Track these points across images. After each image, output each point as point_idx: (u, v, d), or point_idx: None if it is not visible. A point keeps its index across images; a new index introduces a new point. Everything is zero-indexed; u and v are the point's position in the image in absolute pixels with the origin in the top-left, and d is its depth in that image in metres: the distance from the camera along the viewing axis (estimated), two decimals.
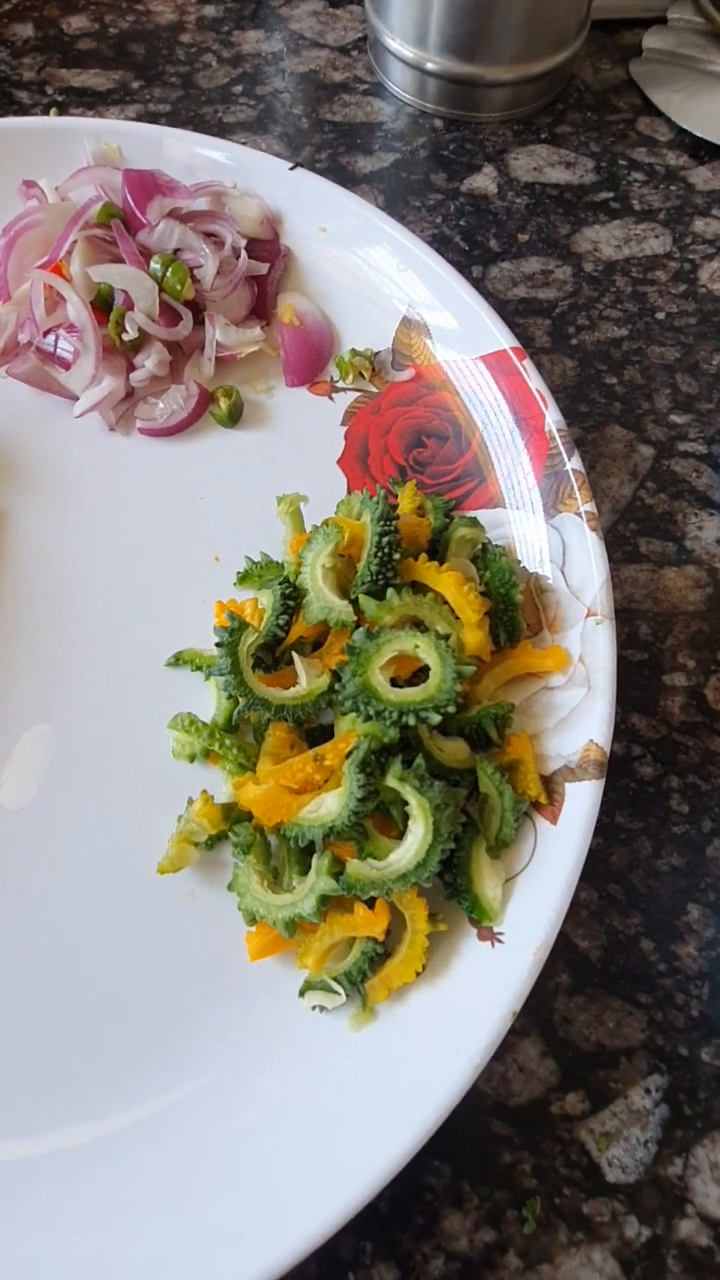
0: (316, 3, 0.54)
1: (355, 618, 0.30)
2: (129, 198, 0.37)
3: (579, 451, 0.40)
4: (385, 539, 0.30)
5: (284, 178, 0.39)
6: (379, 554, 0.30)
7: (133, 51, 0.51)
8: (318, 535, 0.31)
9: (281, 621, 0.30)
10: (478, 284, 0.44)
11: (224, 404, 0.38)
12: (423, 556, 0.31)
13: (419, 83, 0.49)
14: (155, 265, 0.36)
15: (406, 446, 0.38)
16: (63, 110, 0.48)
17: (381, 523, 0.30)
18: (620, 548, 0.38)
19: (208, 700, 0.33)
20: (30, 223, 0.37)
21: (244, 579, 0.34)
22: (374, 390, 0.39)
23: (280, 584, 0.31)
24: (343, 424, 0.38)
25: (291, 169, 0.39)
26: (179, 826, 0.30)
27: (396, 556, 0.30)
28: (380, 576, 0.30)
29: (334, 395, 0.39)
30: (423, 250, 0.38)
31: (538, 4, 0.45)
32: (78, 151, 0.40)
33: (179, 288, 0.36)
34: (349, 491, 0.37)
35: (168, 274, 0.36)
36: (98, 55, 0.51)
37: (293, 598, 0.31)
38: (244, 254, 0.38)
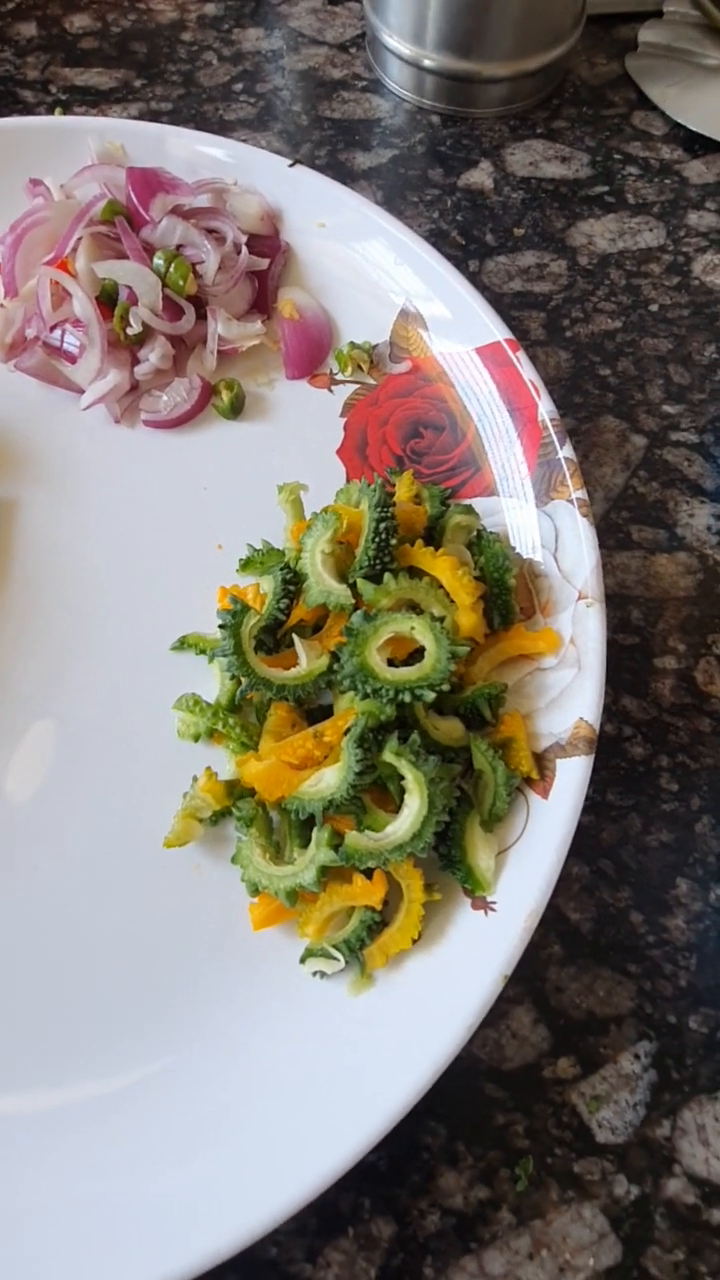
0: (315, 0, 0.55)
1: (353, 601, 0.31)
2: (132, 195, 0.38)
3: (572, 441, 0.41)
4: (382, 525, 0.31)
5: (284, 174, 0.40)
6: (376, 539, 0.31)
7: (135, 50, 0.52)
8: (317, 522, 0.32)
9: (282, 605, 0.31)
10: (474, 278, 0.45)
11: (226, 396, 0.39)
12: (419, 542, 0.32)
13: (416, 79, 0.50)
14: (158, 261, 0.37)
15: (404, 437, 0.39)
16: (66, 109, 0.49)
17: (379, 509, 0.31)
18: (613, 535, 0.39)
19: (212, 682, 0.34)
20: (36, 220, 0.38)
21: (246, 565, 0.35)
22: (372, 382, 0.40)
23: (281, 569, 0.32)
24: (342, 415, 0.39)
25: (291, 166, 0.40)
26: (184, 803, 0.31)
27: (393, 542, 0.31)
28: (377, 561, 0.31)
29: (333, 387, 0.40)
30: (419, 245, 0.39)
31: (533, 2, 0.45)
32: (82, 150, 0.41)
33: (181, 283, 0.37)
34: (348, 481, 0.38)
35: (171, 269, 0.37)
36: (100, 54, 0.52)
37: (293, 582, 0.32)
38: (245, 250, 0.39)
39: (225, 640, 0.30)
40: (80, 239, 0.38)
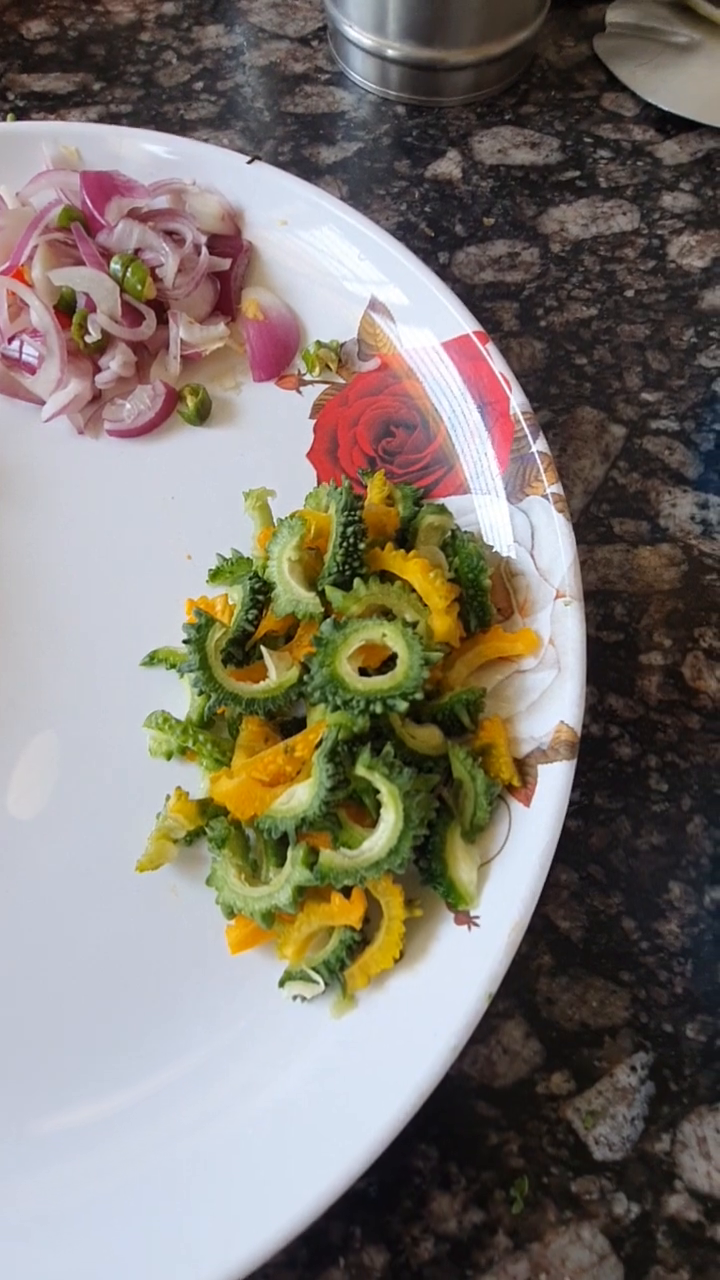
0: None
1: (323, 609, 0.30)
2: (87, 200, 0.37)
3: (549, 434, 0.40)
4: (350, 529, 0.30)
5: (243, 172, 0.39)
6: (344, 544, 0.30)
7: (93, 53, 0.51)
8: (283, 528, 0.31)
9: (250, 616, 0.30)
10: (444, 270, 0.44)
11: (191, 402, 0.38)
12: (389, 545, 0.31)
13: (380, 70, 0.49)
14: (115, 266, 0.36)
15: (375, 437, 0.38)
16: (23, 115, 0.48)
17: (346, 513, 0.30)
18: (594, 529, 0.38)
19: (183, 698, 0.33)
20: None
21: (216, 575, 0.34)
22: (341, 382, 0.39)
23: (249, 579, 0.31)
24: (311, 417, 0.38)
25: (249, 162, 0.39)
26: (157, 824, 0.30)
27: (362, 546, 0.30)
28: (346, 567, 0.30)
29: (301, 389, 0.39)
30: (381, 237, 0.38)
31: None
32: (37, 156, 0.40)
33: (140, 287, 0.36)
34: (319, 485, 0.37)
35: (128, 274, 0.36)
36: (58, 59, 0.51)
37: (262, 592, 0.31)
38: (205, 251, 0.38)
39: (191, 654, 0.29)
40: (36, 247, 0.37)
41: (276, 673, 0.29)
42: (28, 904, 0.30)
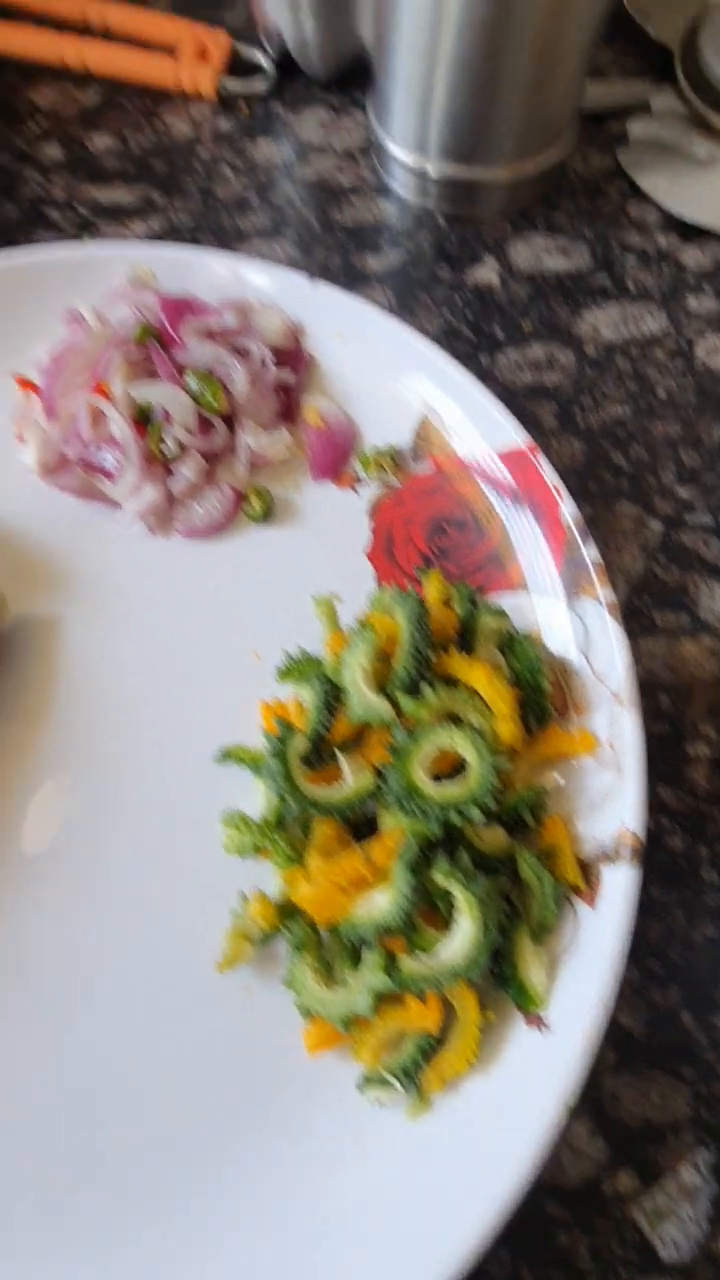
0: (322, 110, 0.58)
1: (395, 716, 0.32)
2: (164, 321, 0.40)
3: (591, 528, 0.42)
4: (419, 638, 0.32)
5: (304, 290, 0.42)
6: (414, 654, 0.32)
7: (154, 167, 0.55)
8: (356, 639, 0.33)
9: (325, 721, 0.32)
10: (487, 372, 0.47)
11: (257, 504, 0.40)
12: (454, 650, 0.33)
13: (420, 184, 0.52)
14: (191, 382, 0.39)
15: (429, 535, 0.40)
16: (91, 226, 0.52)
17: (415, 623, 0.32)
18: (636, 620, 0.40)
19: (255, 793, 0.34)
20: (73, 347, 0.40)
21: (284, 674, 0.36)
22: (396, 483, 0.41)
23: (320, 681, 0.33)
24: (369, 516, 0.41)
25: (310, 281, 0.42)
26: (234, 922, 0.31)
27: (430, 655, 0.32)
28: (416, 674, 0.32)
29: (358, 488, 0.41)
30: (434, 352, 0.41)
31: (530, 111, 0.48)
32: (114, 275, 0.43)
33: (214, 402, 0.39)
34: (378, 583, 0.39)
35: (203, 390, 0.39)
36: (122, 172, 0.55)
37: (333, 696, 0.33)
38: (270, 364, 0.41)
39: (273, 764, 0.30)
40: (115, 363, 0.40)
41: (353, 778, 0.31)
42: (102, 1004, 0.31)
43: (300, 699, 0.35)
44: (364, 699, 0.32)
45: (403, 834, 0.29)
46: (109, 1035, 0.30)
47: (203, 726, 0.36)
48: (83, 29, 0.60)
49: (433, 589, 0.36)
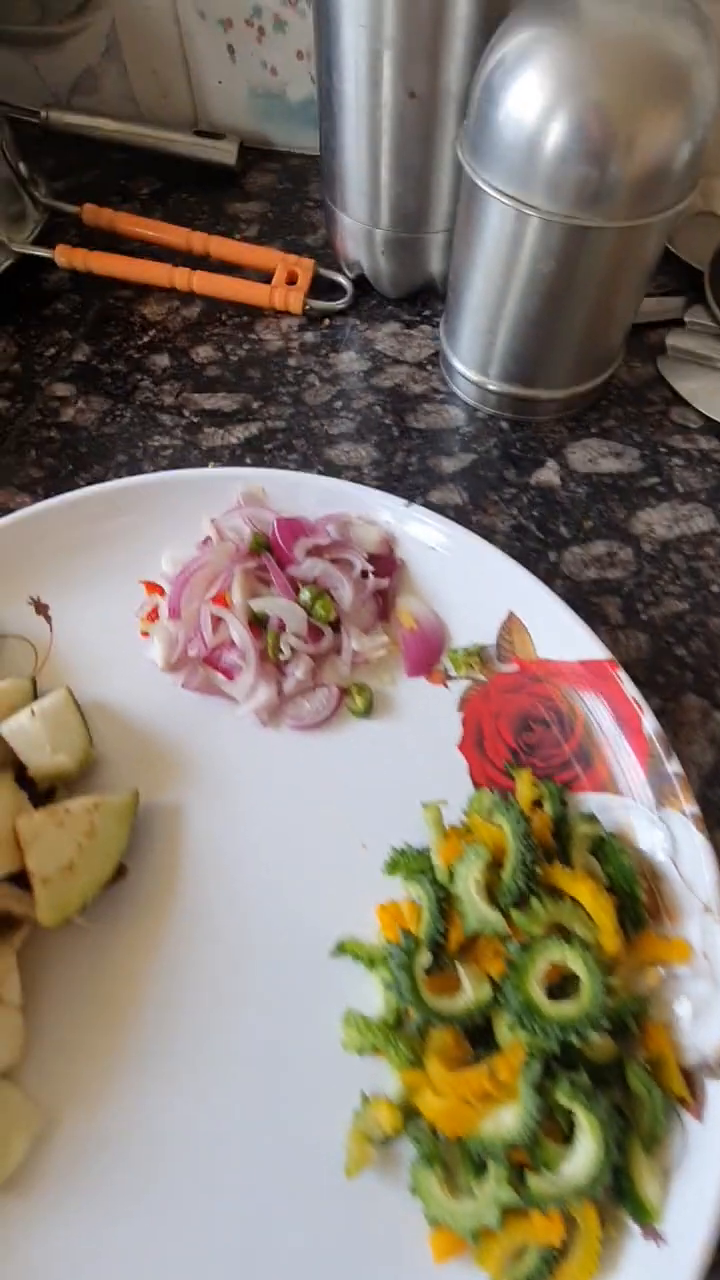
0: (395, 324, 0.67)
1: (507, 928, 0.35)
2: (279, 539, 0.46)
3: (660, 720, 0.46)
4: (526, 853, 0.35)
5: (398, 510, 0.49)
6: (523, 868, 0.35)
7: (250, 375, 0.64)
8: (469, 854, 0.36)
9: (440, 928, 0.35)
10: (554, 568, 0.52)
11: (360, 700, 0.45)
12: (557, 863, 0.36)
13: (484, 396, 0.60)
14: (305, 596, 0.45)
15: (516, 731, 0.44)
16: (196, 429, 0.60)
17: (522, 839, 0.36)
18: (713, 814, 0.43)
19: (367, 984, 0.37)
20: (200, 564, 0.46)
21: (392, 868, 0.40)
22: (483, 679, 0.46)
23: (433, 888, 0.36)
24: (459, 710, 0.45)
25: (407, 506, 0.48)
26: (356, 1123, 0.33)
27: (538, 870, 0.35)
28: (525, 887, 0.35)
29: (449, 683, 0.46)
30: (515, 568, 0.46)
31: (585, 351, 0.56)
32: (232, 492, 0.50)
33: (324, 614, 0.44)
34: (471, 776, 0.43)
35: (315, 605, 0.44)
36: (223, 380, 0.63)
37: (445, 901, 0.36)
38: (371, 575, 0.46)
39: (401, 978, 0.33)
40: (235, 578, 0.45)
41: (473, 990, 0.34)
42: (224, 1198, 0.32)
43: (411, 896, 0.38)
44: (479, 912, 0.35)
45: (524, 1051, 0.31)
46: (232, 1231, 0.32)
47: (316, 915, 0.39)
48: (188, 254, 0.70)
49: (524, 789, 0.40)
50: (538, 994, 0.32)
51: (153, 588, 0.48)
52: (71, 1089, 0.35)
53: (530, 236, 0.47)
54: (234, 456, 0.58)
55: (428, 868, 0.38)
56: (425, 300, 0.69)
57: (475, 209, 0.50)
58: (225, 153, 0.77)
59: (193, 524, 0.50)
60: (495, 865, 0.37)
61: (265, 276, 0.68)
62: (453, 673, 0.46)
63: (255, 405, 0.62)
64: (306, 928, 0.39)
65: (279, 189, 0.80)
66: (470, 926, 0.35)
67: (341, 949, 0.38)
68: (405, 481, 0.56)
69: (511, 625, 0.46)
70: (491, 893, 0.36)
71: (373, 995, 0.37)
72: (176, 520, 0.50)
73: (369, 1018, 0.35)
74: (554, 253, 0.47)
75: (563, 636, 0.44)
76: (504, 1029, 0.33)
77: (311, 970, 0.38)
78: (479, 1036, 0.34)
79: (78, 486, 0.55)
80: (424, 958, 0.34)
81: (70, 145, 0.76)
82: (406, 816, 0.42)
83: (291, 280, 0.67)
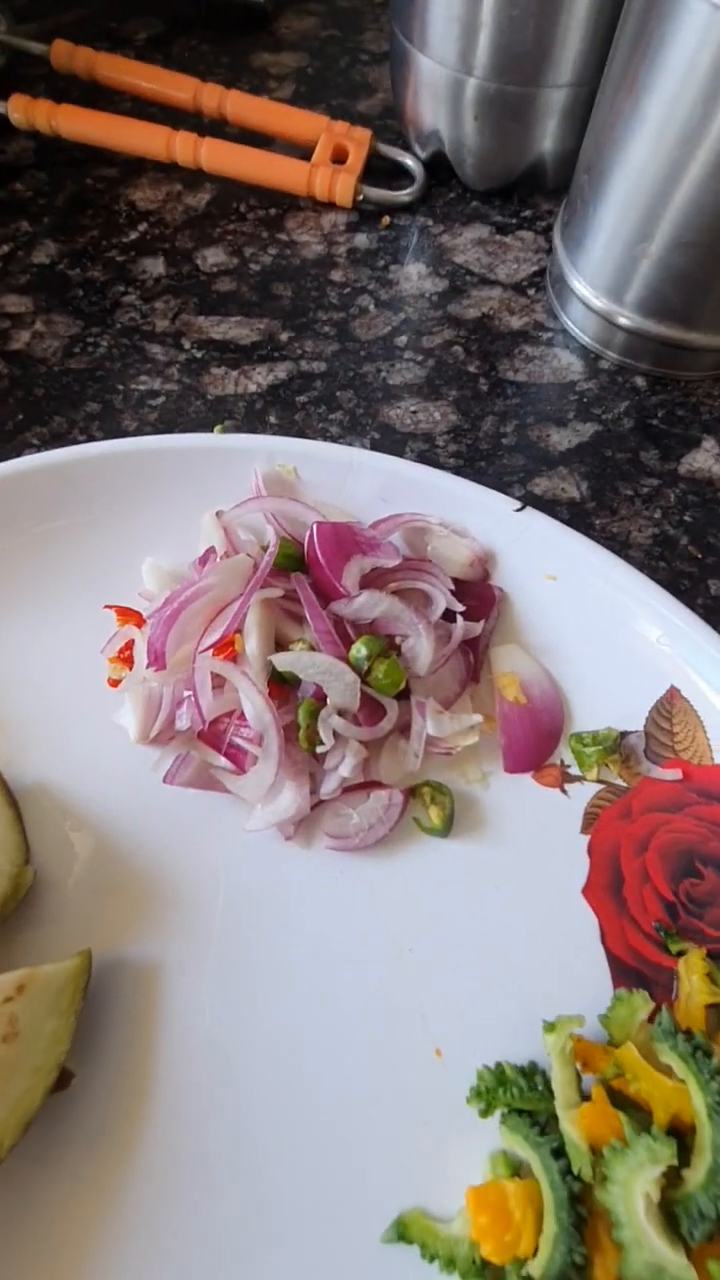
0: (483, 228, 0.48)
1: (695, 1276, 0.20)
2: (322, 559, 0.30)
3: None
4: None
5: (501, 514, 0.32)
6: None
7: (278, 294, 0.45)
8: (637, 1146, 0.21)
9: (577, 1258, 0.21)
10: (717, 604, 0.36)
11: (434, 812, 0.29)
12: None
13: (607, 333, 0.42)
14: (359, 651, 0.28)
15: (673, 874, 0.29)
16: (203, 366, 0.42)
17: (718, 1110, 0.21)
18: None
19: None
20: (198, 587, 0.30)
21: (478, 1098, 0.25)
22: (622, 785, 0.30)
23: (554, 1159, 0.21)
24: (583, 831, 0.30)
25: (518, 510, 0.31)
26: None
27: None
28: None
29: (567, 786, 0.30)
30: (684, 617, 0.30)
31: None
32: (248, 472, 0.33)
33: (387, 681, 0.28)
34: (604, 942, 0.28)
35: (375, 668, 0.28)
36: (238, 298, 0.45)
37: (580, 1200, 0.22)
38: (459, 619, 0.30)
39: None
40: (250, 610, 0.29)
41: None
42: None
43: (516, 1156, 0.23)
44: (649, 1244, 0.20)
45: None
46: None
47: (359, 1162, 0.25)
48: (195, 118, 0.50)
49: (695, 971, 0.25)
50: None
51: (126, 614, 0.32)
52: None
53: None
54: (253, 412, 0.41)
55: (542, 1109, 0.24)
56: (526, 195, 0.49)
57: (654, 22, 0.31)
58: None
59: (188, 519, 0.33)
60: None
61: (304, 152, 0.48)
62: (576, 771, 0.31)
63: (284, 337, 0.44)
64: (341, 1184, 0.25)
65: (322, 36, 0.59)
66: (634, 1271, 0.20)
67: (401, 1233, 0.24)
68: (495, 461, 0.39)
69: (673, 706, 0.30)
70: (668, 1210, 0.21)
71: None
72: (165, 512, 0.33)
73: None
74: None
75: None
76: None
77: (351, 1259, 0.24)
78: None
79: (26, 450, 0.39)
80: None
81: None
82: (501, 1004, 0.27)
83: (339, 158, 0.48)
